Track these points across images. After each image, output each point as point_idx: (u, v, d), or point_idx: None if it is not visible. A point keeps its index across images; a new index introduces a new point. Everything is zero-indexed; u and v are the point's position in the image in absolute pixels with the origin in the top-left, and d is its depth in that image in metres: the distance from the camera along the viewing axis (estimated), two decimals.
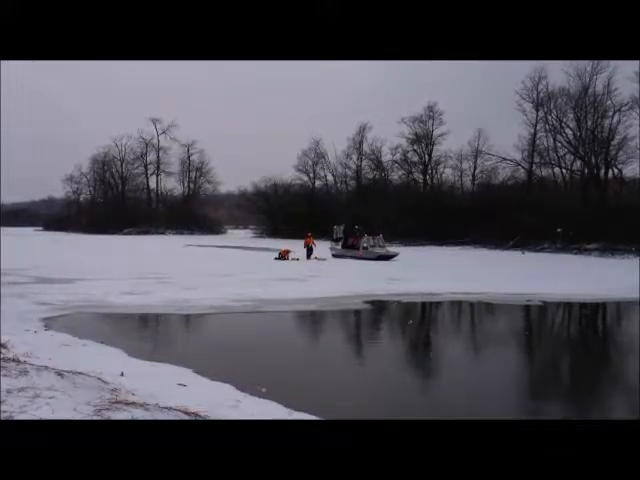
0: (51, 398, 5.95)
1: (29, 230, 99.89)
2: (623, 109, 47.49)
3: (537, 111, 53.07)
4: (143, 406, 6.19)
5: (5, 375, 6.67)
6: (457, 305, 17.58)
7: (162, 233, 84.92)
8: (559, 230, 43.50)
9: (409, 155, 64.99)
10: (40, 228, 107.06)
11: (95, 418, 5.49)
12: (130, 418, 5.58)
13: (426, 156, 63.76)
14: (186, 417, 5.88)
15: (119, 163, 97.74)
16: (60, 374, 7.16)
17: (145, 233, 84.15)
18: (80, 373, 7.52)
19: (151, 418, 5.68)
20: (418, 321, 15.93)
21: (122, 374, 7.89)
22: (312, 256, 33.83)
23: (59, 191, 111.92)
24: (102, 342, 10.56)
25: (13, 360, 7.84)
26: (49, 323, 12.56)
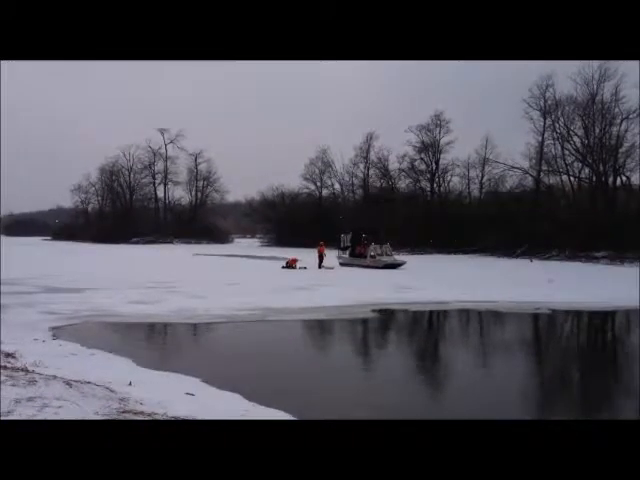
0: (59, 408, 5.94)
1: (37, 240, 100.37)
2: (631, 116, 47.32)
3: (544, 119, 52.89)
4: (151, 415, 6.19)
5: (14, 385, 6.67)
6: (465, 314, 17.50)
7: (170, 242, 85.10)
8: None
9: (416, 163, 64.87)
10: (48, 238, 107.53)
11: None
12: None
13: (433, 164, 63.65)
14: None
15: (127, 173, 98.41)
16: (68, 384, 7.16)
17: (153, 242, 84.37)
18: (88, 383, 7.53)
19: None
20: (426, 330, 15.86)
21: (130, 383, 7.89)
22: (321, 265, 33.73)
23: (67, 201, 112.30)
24: (110, 351, 10.58)
25: (22, 370, 7.85)
26: (57, 332, 12.60)
